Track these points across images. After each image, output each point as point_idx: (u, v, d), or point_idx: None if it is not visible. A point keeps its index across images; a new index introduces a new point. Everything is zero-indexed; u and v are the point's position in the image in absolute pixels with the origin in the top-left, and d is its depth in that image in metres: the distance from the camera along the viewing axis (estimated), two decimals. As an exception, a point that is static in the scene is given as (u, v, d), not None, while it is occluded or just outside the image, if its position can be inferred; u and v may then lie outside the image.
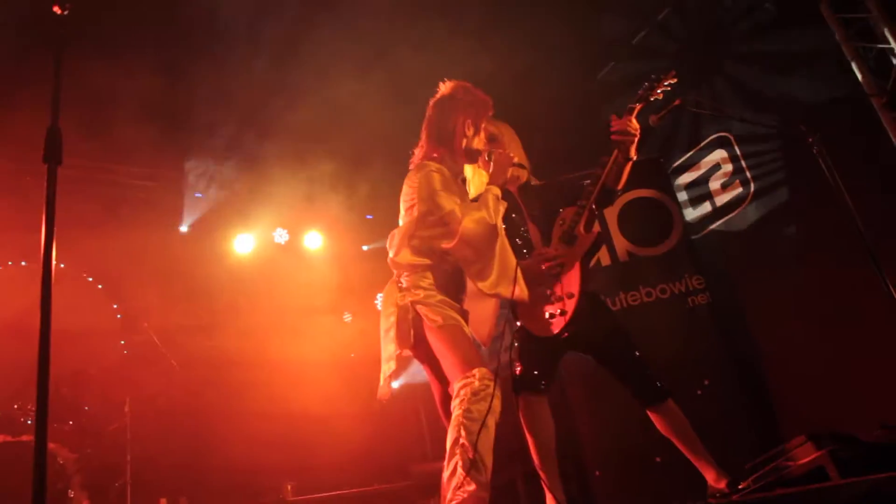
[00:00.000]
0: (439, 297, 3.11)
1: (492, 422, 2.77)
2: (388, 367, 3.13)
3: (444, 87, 3.39)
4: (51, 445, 4.67)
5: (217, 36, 5.04)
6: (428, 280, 3.15)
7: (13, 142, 5.51)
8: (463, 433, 2.72)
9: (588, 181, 3.19)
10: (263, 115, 5.88)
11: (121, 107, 5.28)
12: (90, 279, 6.39)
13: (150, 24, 4.92)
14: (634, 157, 3.16)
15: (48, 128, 1.80)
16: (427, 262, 3.17)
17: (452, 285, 3.22)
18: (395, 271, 3.30)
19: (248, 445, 5.91)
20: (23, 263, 6.01)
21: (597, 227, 3.22)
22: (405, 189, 3.23)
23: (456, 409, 2.79)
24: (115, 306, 6.58)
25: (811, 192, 4.07)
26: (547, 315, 3.11)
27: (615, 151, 3.12)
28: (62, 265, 6.40)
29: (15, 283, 6.13)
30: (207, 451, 5.75)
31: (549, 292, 3.13)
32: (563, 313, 3.06)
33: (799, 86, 4.32)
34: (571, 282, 3.08)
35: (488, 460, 2.76)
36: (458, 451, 2.71)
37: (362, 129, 5.88)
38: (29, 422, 5.13)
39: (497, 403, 2.80)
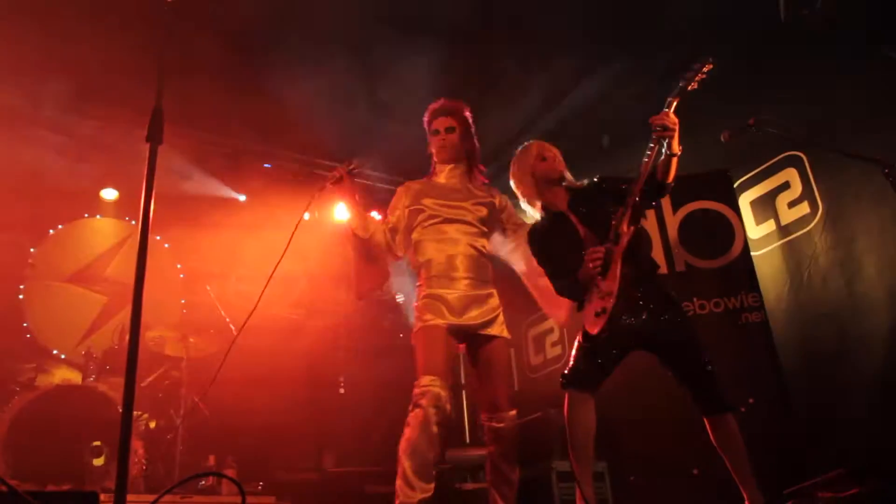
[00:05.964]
0: (426, 291, 3.41)
1: (434, 428, 2.94)
2: None
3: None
4: (111, 393, 4.91)
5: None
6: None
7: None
8: (402, 443, 2.92)
9: (633, 179, 3.19)
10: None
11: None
12: (157, 237, 6.59)
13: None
14: (678, 152, 3.14)
15: (153, 109, 1.92)
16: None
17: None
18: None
19: (293, 413, 6.11)
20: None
21: (633, 224, 3.20)
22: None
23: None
24: (178, 265, 6.80)
25: (880, 223, 3.98)
26: (594, 314, 3.15)
27: (654, 146, 3.11)
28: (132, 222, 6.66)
29: (84, 236, 6.42)
30: (255, 414, 5.91)
31: (600, 292, 3.17)
32: (604, 311, 3.08)
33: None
34: (614, 281, 3.11)
35: (422, 468, 2.91)
36: (399, 458, 2.92)
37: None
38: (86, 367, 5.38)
39: (432, 411, 2.95)
